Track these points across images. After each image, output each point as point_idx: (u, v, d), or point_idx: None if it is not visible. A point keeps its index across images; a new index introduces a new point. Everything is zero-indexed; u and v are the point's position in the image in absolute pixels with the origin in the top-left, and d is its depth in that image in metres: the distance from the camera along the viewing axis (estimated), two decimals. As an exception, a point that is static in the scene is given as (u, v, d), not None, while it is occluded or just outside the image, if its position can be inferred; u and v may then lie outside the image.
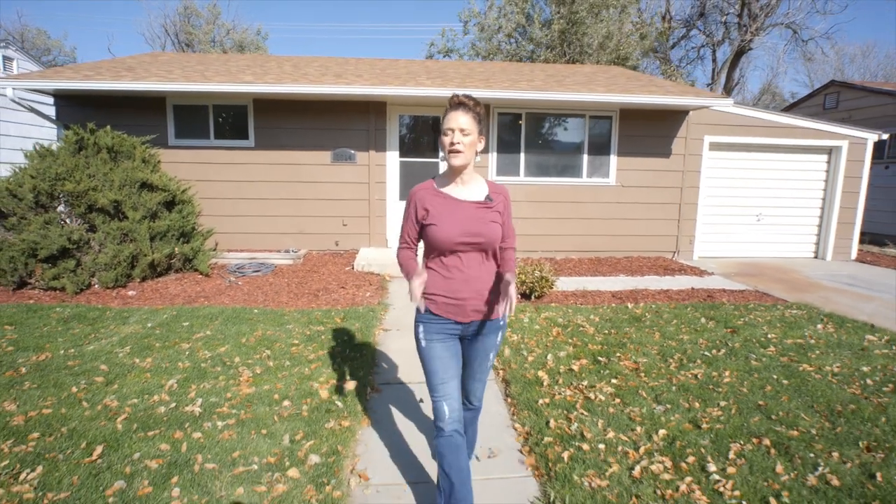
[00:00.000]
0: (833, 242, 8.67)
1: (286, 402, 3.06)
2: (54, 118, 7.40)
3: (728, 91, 19.11)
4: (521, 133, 7.84)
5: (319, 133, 7.49)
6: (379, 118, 7.50)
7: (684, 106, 7.64)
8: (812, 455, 2.57)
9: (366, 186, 7.65)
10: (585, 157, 8.04)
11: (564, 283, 6.30)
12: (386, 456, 2.59)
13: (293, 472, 2.37)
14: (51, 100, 7.59)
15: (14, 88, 6.68)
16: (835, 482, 2.34)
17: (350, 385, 3.31)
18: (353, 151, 7.56)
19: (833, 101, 12.22)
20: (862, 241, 10.96)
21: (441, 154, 7.75)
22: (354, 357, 3.80)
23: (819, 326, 4.73)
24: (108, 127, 6.35)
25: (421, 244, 2.05)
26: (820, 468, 2.45)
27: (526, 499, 2.28)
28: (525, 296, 5.58)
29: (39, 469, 2.35)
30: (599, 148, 8.07)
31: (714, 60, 20.19)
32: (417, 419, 2.97)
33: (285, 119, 7.40)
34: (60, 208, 5.96)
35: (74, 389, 3.18)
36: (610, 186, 8.14)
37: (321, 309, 5.06)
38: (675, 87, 8.37)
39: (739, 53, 18.38)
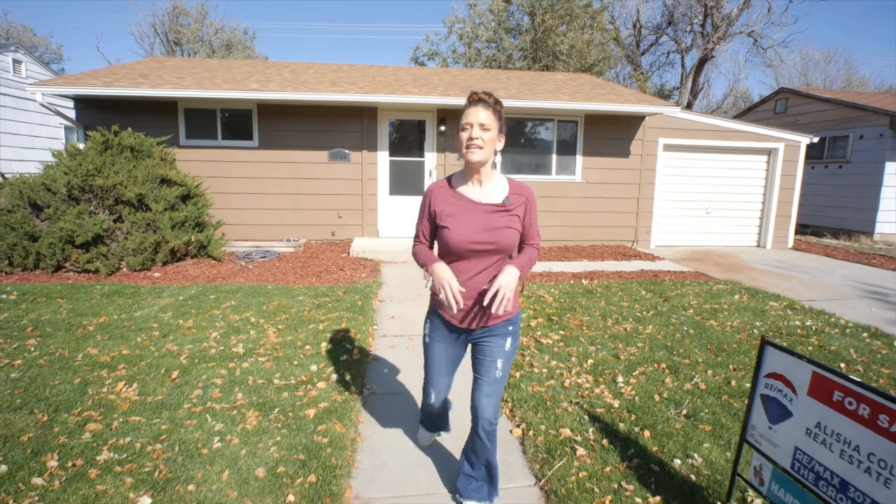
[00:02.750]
0: (772, 233, 9.83)
1: (307, 347, 3.98)
2: (74, 119, 8.15)
3: (694, 95, 20.43)
4: (497, 135, 8.81)
5: (317, 134, 8.36)
6: (370, 121, 8.40)
7: (640, 112, 8.69)
8: (693, 373, 3.59)
9: (359, 182, 8.55)
10: (555, 156, 9.05)
11: (534, 267, 7.29)
12: (386, 375, 3.54)
13: (321, 385, 3.30)
14: (70, 103, 8.34)
15: (43, 94, 7.44)
16: (702, 386, 3.36)
17: (356, 335, 4.25)
18: (347, 151, 8.46)
19: (783, 106, 13.45)
20: (804, 233, 12.22)
21: (449, 154, 8.68)
22: (357, 318, 4.72)
23: (736, 297, 5.79)
24: (130, 129, 7.16)
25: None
26: (696, 379, 3.47)
27: (488, 399, 3.24)
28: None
29: (135, 385, 3.24)
30: (567, 148, 9.08)
31: (683, 66, 21.50)
32: (406, 359, 3.92)
33: (286, 122, 8.26)
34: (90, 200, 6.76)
35: (139, 339, 4.05)
36: (577, 183, 9.16)
37: (325, 286, 5.97)
38: (633, 96, 9.42)
39: (704, 60, 19.68)
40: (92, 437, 2.62)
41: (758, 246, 10.03)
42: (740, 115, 14.89)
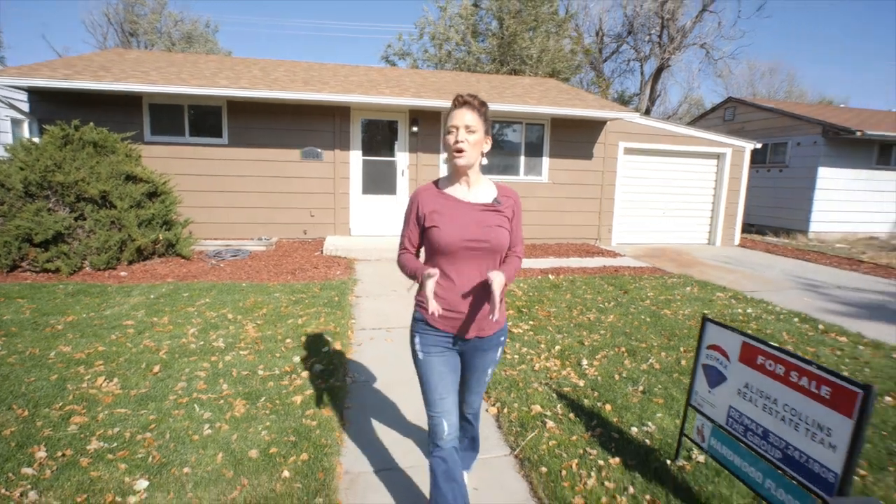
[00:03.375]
0: (721, 231, 10.51)
1: (288, 340, 4.11)
2: (28, 112, 7.90)
3: (652, 101, 21.40)
4: (465, 136, 9.08)
5: (289, 133, 8.40)
6: (343, 121, 8.50)
7: (602, 117, 9.14)
8: (649, 355, 3.93)
9: (331, 181, 8.64)
10: (523, 158, 9.40)
11: (501, 263, 7.59)
12: (367, 364, 3.72)
13: (305, 374, 3.45)
14: (22, 95, 8.07)
15: (-1, 86, 7.19)
16: (657, 366, 3.70)
17: (335, 328, 4.40)
18: (319, 150, 8.53)
19: (731, 114, 14.31)
20: (749, 231, 13.05)
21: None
22: (335, 313, 4.87)
23: (688, 289, 6.25)
24: (92, 124, 7.02)
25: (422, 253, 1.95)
26: (651, 360, 3.81)
27: (463, 384, 3.48)
28: (468, 271, 6.81)
29: (116, 380, 3.30)
30: (535, 150, 9.44)
31: (642, 73, 22.47)
32: (386, 349, 4.10)
33: (258, 119, 8.26)
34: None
35: (114, 337, 4.07)
36: (544, 184, 9.53)
37: (300, 283, 6.06)
38: (596, 102, 9.88)
39: (661, 69, 20.65)
40: (78, 428, 2.69)
41: (708, 243, 10.69)
42: (693, 122, 15.73)
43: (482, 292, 1.80)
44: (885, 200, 12.61)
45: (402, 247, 1.93)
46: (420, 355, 1.90)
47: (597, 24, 21.81)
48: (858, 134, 11.06)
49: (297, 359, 3.71)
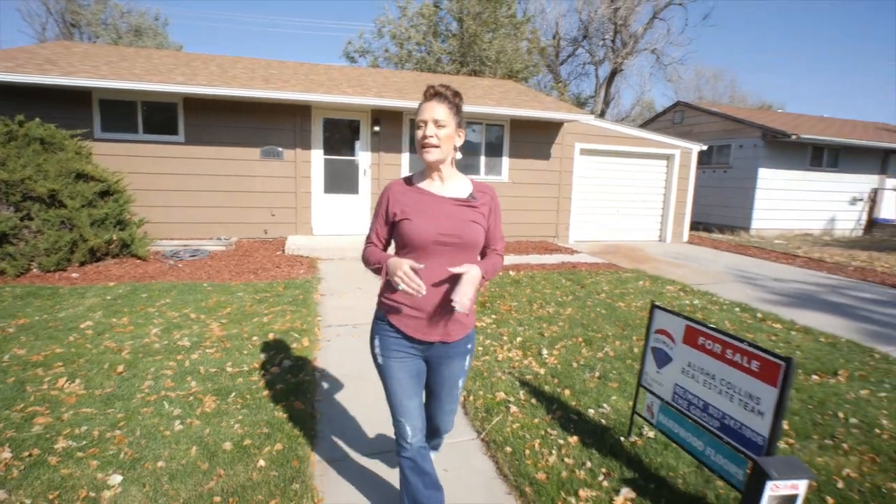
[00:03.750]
0: (671, 229, 11.08)
1: (255, 338, 4.12)
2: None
3: (607, 104, 22.20)
4: (428, 136, 9.20)
5: (249, 131, 8.28)
6: (304, 120, 8.46)
7: (559, 119, 9.47)
8: (605, 344, 4.18)
9: (293, 180, 8.57)
10: (483, 157, 9.61)
11: (464, 261, 7.77)
12: (336, 359, 3.79)
13: (275, 370, 3.49)
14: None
15: (-69, 78, 6.76)
16: (611, 354, 3.95)
17: (302, 326, 4.43)
18: (280, 149, 8.45)
19: (680, 117, 15.06)
20: (697, 229, 13.78)
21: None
22: (301, 311, 4.90)
23: (640, 283, 6.61)
24: (38, 120, 6.72)
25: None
26: (606, 349, 4.06)
27: (430, 375, 3.61)
28: (432, 269, 6.94)
29: (78, 381, 3.24)
30: (495, 150, 9.67)
31: (597, 77, 23.27)
32: (352, 345, 4.19)
33: (216, 117, 8.10)
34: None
35: (72, 339, 3.97)
36: (503, 183, 9.77)
37: (264, 282, 6.03)
38: (553, 104, 10.22)
39: (615, 73, 21.46)
40: (43, 429, 2.66)
41: (660, 240, 11.25)
42: (645, 125, 16.45)
43: (450, 291, 1.65)
44: (817, 199, 13.61)
45: (368, 241, 1.85)
46: (380, 359, 1.80)
47: (553, 27, 22.47)
48: (794, 137, 11.90)
49: (264, 356, 3.74)
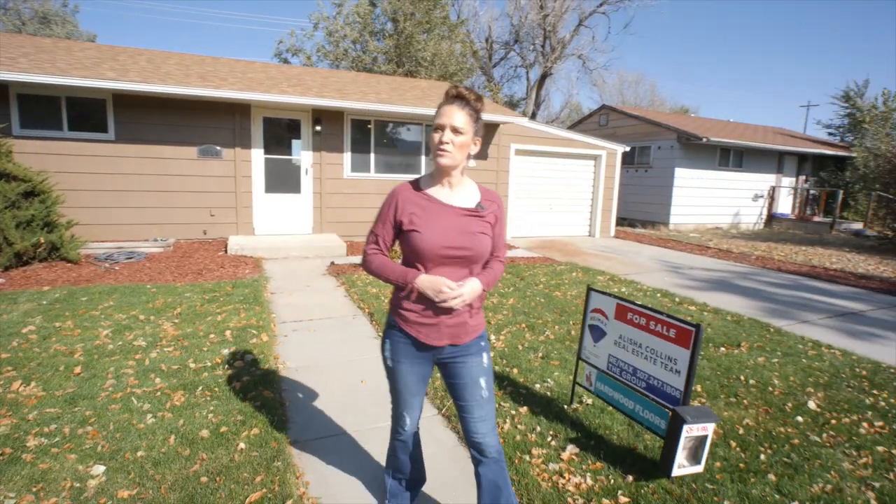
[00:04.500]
0: (600, 224, 11.94)
1: (212, 336, 4.17)
2: None
3: (538, 106, 23.23)
4: (370, 136, 9.36)
5: (185, 129, 8.06)
6: (244, 118, 8.35)
7: (496, 121, 9.94)
8: (546, 329, 4.62)
9: (232, 180, 8.44)
10: (423, 157, 9.90)
11: (410, 257, 8.04)
12: (296, 353, 3.94)
13: (238, 364, 3.60)
14: None
15: None
16: (552, 337, 4.39)
17: (258, 322, 4.52)
18: (219, 148, 8.29)
19: (605, 120, 16.14)
20: (623, 224, 14.86)
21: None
22: (254, 308, 4.96)
23: (574, 274, 7.19)
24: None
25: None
26: (547, 333, 4.50)
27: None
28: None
29: (33, 383, 3.19)
30: (435, 151, 9.98)
31: (528, 80, 24.27)
32: (310, 339, 4.34)
33: (148, 115, 7.81)
34: None
35: (16, 343, 3.84)
36: (444, 182, 10.11)
37: (210, 282, 5.98)
38: (490, 106, 10.70)
39: (545, 76, 22.50)
40: (10, 429, 2.65)
41: (589, 235, 12.08)
42: (573, 126, 17.44)
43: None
44: (725, 196, 15.11)
45: (371, 246, 1.82)
46: (389, 363, 1.86)
47: (486, 31, 23.21)
48: (704, 140, 13.18)
49: (226, 351, 3.82)
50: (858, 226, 15.29)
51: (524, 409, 3.07)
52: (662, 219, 14.29)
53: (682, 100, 56.61)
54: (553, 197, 11.54)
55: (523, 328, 4.65)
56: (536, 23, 21.85)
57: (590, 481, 2.38)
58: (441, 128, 1.67)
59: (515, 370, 3.66)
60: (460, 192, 1.77)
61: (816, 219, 15.60)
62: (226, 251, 7.72)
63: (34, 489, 2.20)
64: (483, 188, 1.85)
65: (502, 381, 3.48)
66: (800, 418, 3.12)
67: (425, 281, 1.67)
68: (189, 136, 8.11)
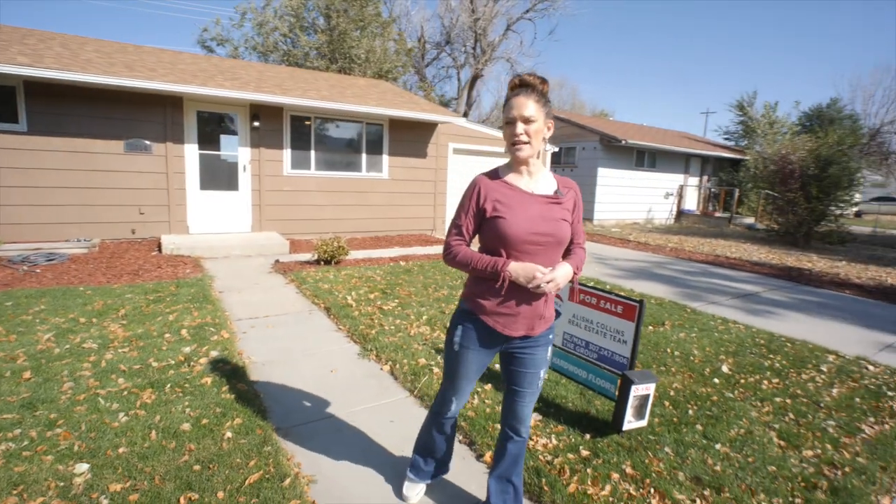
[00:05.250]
0: (532, 220, 12.60)
1: (167, 335, 4.09)
2: None
3: (469, 106, 23.84)
4: (311, 133, 9.29)
5: (109, 122, 7.57)
6: (175, 112, 7.98)
7: (434, 120, 10.22)
8: (496, 316, 4.96)
9: (164, 176, 8.04)
10: (364, 155, 9.97)
11: (355, 254, 8.11)
12: (259, 348, 3.98)
13: (203, 360, 3.59)
14: None
15: None
16: (504, 323, 4.73)
17: (213, 320, 4.47)
18: (148, 142, 7.87)
19: (533, 120, 16.96)
20: (552, 221, 15.73)
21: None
22: (206, 307, 4.87)
23: (514, 267, 7.64)
24: None
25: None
26: (499, 320, 4.83)
27: (355, 353, 4.00)
28: (326, 262, 7.17)
29: (-23, 391, 3.02)
30: (375, 148, 10.08)
31: (459, 80, 24.82)
32: (270, 334, 4.38)
33: (68, 105, 7.26)
34: None
35: (-59, 352, 3.56)
36: (384, 180, 10.25)
37: (150, 283, 5.74)
38: (429, 106, 10.96)
39: (476, 78, 23.15)
40: (-36, 437, 2.53)
41: (523, 231, 12.71)
42: (503, 127, 18.15)
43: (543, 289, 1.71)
44: (642, 194, 16.45)
45: (454, 237, 1.81)
46: (456, 346, 1.87)
47: (419, 30, 23.44)
48: (623, 142, 14.29)
49: (187, 349, 3.78)
50: (751, 220, 17.27)
51: (489, 387, 3.37)
52: (588, 215, 15.31)
53: (600, 104, 60.29)
54: (488, 194, 12.02)
55: (476, 316, 4.96)
56: (468, 25, 22.42)
57: (555, 441, 2.72)
58: (512, 121, 1.68)
59: (475, 354, 3.96)
60: (539, 180, 1.79)
61: (717, 214, 17.42)
62: (160, 251, 7.37)
63: (15, 491, 2.16)
64: (558, 176, 1.86)
65: (464, 363, 3.76)
66: (716, 380, 3.69)
67: (518, 268, 1.66)
68: (115, 129, 7.63)
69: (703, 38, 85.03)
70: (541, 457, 2.57)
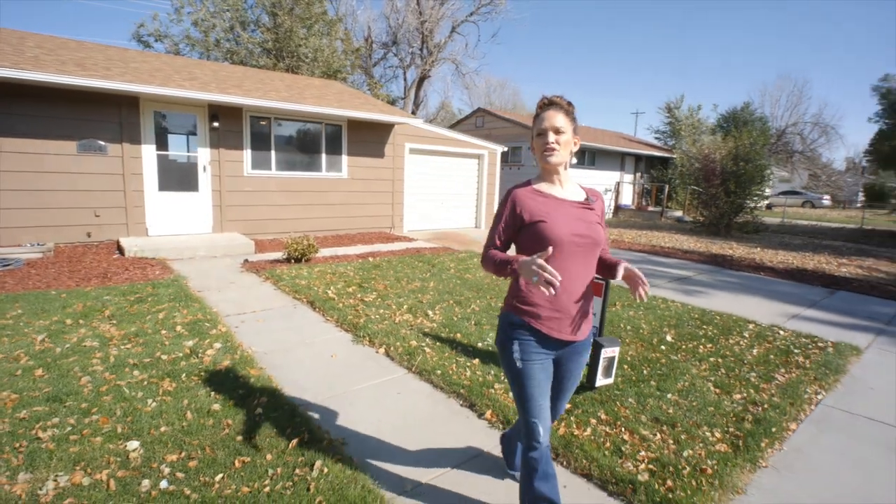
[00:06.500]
0: (485, 217, 13.24)
1: (164, 332, 4.25)
2: None
3: (417, 106, 24.20)
4: (271, 134, 9.37)
5: (61, 122, 7.35)
6: (131, 112, 7.85)
7: (391, 121, 10.57)
8: (471, 303, 5.47)
9: (120, 178, 7.89)
10: (324, 155, 10.15)
11: (322, 252, 8.34)
12: (258, 339, 4.24)
13: (210, 352, 3.83)
14: None
15: None
16: (477, 309, 5.25)
17: (204, 317, 4.66)
18: (102, 143, 7.70)
19: (481, 122, 17.64)
20: (502, 217, 16.47)
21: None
22: (192, 305, 5.02)
23: (475, 259, 8.18)
24: None
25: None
26: (472, 306, 5.34)
27: (349, 340, 4.36)
28: (297, 259, 7.38)
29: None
30: (335, 148, 10.29)
31: (405, 80, 25.12)
32: (263, 328, 4.64)
33: (12, 105, 6.98)
34: None
35: (-67, 357, 3.57)
36: (344, 179, 10.48)
37: (123, 285, 5.75)
38: (386, 108, 11.28)
39: (423, 78, 23.57)
40: (9, 426, 2.67)
41: (476, 227, 13.32)
42: (452, 127, 18.71)
43: (587, 291, 1.86)
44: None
45: (489, 246, 1.91)
46: (519, 364, 1.84)
47: (366, 30, 23.55)
48: (564, 142, 15.20)
49: (189, 343, 3.99)
50: (680, 213, 18.88)
51: (476, 361, 3.85)
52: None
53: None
54: (444, 193, 12.52)
55: (452, 304, 5.44)
56: (414, 27, 22.78)
57: (540, 399, 3.25)
58: (544, 132, 1.82)
59: (458, 335, 4.43)
60: (569, 188, 1.92)
61: (650, 208, 18.88)
62: (121, 254, 7.28)
63: (77, 467, 2.39)
64: (584, 186, 1.99)
65: (451, 343, 4.23)
66: (663, 347, 4.38)
67: (523, 259, 1.66)
68: (66, 130, 7.42)
69: (635, 42, 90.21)
70: (532, 411, 3.09)
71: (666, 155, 20.51)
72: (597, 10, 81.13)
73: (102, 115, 7.66)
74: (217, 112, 8.60)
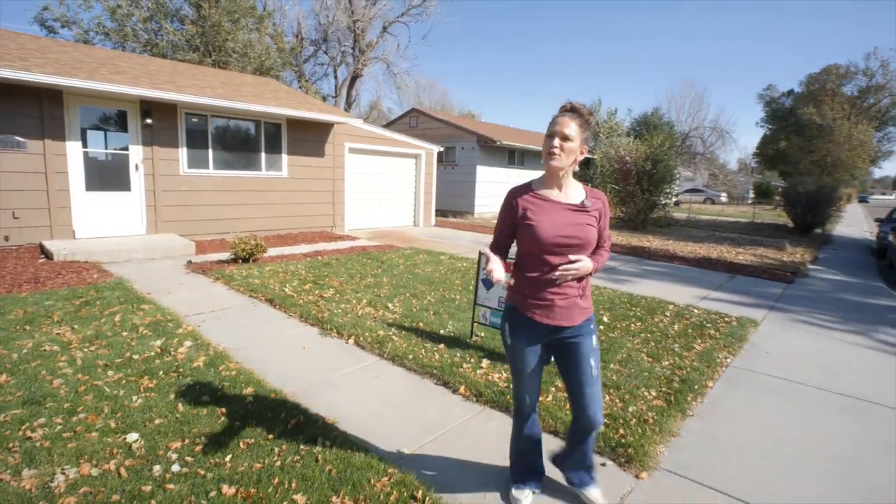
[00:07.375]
0: (423, 215, 13.60)
1: (125, 333, 4.20)
2: None
3: (349, 105, 24.04)
4: (208, 132, 9.11)
5: (-27, 117, 6.77)
6: (54, 106, 7.36)
7: (330, 121, 10.62)
8: (426, 295, 5.80)
9: (42, 176, 7.38)
10: (263, 154, 10.01)
11: (269, 251, 8.29)
12: (225, 336, 4.31)
13: (182, 349, 3.87)
14: None
15: None
16: (433, 301, 5.60)
17: (163, 318, 4.63)
18: (20, 139, 7.17)
19: (415, 122, 17.96)
20: (440, 214, 16.91)
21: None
22: (145, 307, 4.93)
23: (421, 256, 8.52)
24: None
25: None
26: (428, 298, 5.68)
27: (316, 333, 4.54)
28: (244, 259, 7.32)
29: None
30: (274, 147, 10.18)
31: (336, 78, 24.85)
32: (227, 325, 4.69)
33: (-85, 97, 6.36)
34: None
35: None
36: (284, 178, 10.39)
37: (62, 290, 5.48)
38: (326, 107, 11.29)
39: (355, 77, 23.46)
40: (-21, 433, 2.66)
41: (415, 225, 13.65)
42: (387, 126, 18.86)
43: (579, 285, 2.03)
44: (512, 189, 18.38)
45: (491, 243, 2.14)
46: (508, 341, 2.12)
47: (296, 26, 22.98)
48: (498, 142, 15.93)
49: (157, 343, 4.00)
50: (600, 210, 20.31)
51: (442, 346, 4.21)
52: (469, 209, 16.78)
53: (468, 105, 64.02)
54: (383, 191, 12.72)
55: (408, 297, 5.74)
56: (346, 25, 22.58)
57: (505, 375, 3.67)
58: (552, 135, 1.96)
59: (421, 324, 4.76)
60: (568, 191, 2.05)
61: (574, 205, 20.15)
62: (48, 258, 6.84)
63: (82, 460, 2.46)
64: (587, 188, 2.12)
65: (415, 332, 4.55)
66: (601, 326, 4.98)
67: (492, 258, 1.94)
68: (-22, 126, 6.84)
69: (554, 47, 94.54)
70: (499, 385, 3.50)
71: (589, 156, 21.96)
72: (522, 20, 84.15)
73: (20, 109, 7.13)
74: (150, 108, 8.26)
